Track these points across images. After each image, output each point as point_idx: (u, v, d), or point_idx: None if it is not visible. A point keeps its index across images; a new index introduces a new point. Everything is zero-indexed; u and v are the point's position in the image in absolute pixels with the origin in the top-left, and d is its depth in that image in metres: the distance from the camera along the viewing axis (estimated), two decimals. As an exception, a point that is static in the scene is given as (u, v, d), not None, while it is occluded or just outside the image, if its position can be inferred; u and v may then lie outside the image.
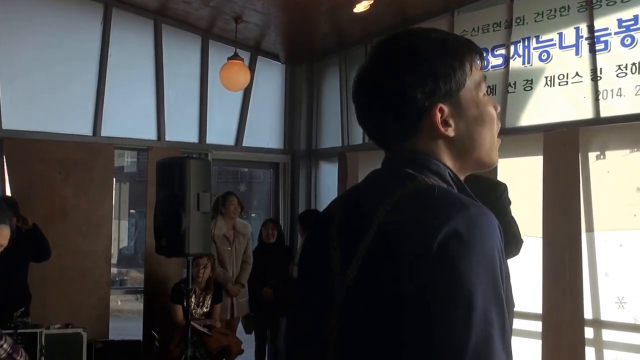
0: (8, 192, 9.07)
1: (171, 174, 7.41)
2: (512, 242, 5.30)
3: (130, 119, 9.87)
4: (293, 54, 10.74)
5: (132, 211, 25.51)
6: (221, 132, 10.53)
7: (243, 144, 10.69)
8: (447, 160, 1.79)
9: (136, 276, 22.01)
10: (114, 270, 15.70)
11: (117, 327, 10.36)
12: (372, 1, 6.89)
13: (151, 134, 9.98)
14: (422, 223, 1.61)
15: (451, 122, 1.77)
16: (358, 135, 9.89)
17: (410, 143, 1.78)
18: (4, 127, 9.01)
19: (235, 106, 10.59)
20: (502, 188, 5.54)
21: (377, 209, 1.69)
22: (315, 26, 9.57)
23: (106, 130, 9.61)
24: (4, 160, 9.08)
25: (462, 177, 1.81)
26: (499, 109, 1.89)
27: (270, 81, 11.00)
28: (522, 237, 5.51)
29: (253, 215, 18.16)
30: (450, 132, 1.77)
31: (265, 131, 10.98)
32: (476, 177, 5.17)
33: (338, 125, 10.36)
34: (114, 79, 9.66)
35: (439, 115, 1.75)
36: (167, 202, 7.44)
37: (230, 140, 10.63)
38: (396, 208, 1.67)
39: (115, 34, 9.67)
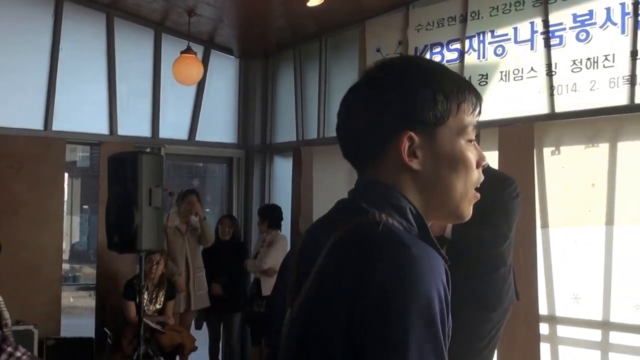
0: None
1: (123, 169, 7.32)
2: (498, 241, 5.25)
3: (82, 113, 9.70)
4: (247, 48, 10.65)
5: (85, 207, 25.20)
6: (174, 127, 10.41)
7: (196, 139, 10.57)
8: (412, 195, 1.72)
9: (89, 272, 21.72)
10: (66, 266, 15.49)
11: (70, 323, 10.23)
12: (325, -3, 6.83)
13: (103, 129, 9.83)
14: (356, 263, 1.56)
15: (419, 154, 1.69)
16: (313, 130, 9.84)
17: (376, 169, 1.73)
18: (-47, 122, 8.83)
19: (188, 100, 10.46)
20: (506, 183, 5.45)
21: (322, 245, 1.65)
22: (269, 20, 9.50)
23: (58, 125, 9.44)
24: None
25: (429, 220, 1.72)
26: (485, 162, 1.79)
27: (224, 75, 10.89)
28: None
29: (207, 210, 18.05)
30: (415, 165, 1.69)
31: (219, 125, 10.88)
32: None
33: (292, 120, 10.29)
34: (65, 73, 9.49)
35: (406, 142, 1.68)
36: (119, 197, 7.34)
37: (183, 135, 10.51)
38: (336, 246, 1.62)
39: (67, 27, 9.50)
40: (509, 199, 5.34)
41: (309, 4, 6.95)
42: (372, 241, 1.58)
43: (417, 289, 1.50)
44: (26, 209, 9.09)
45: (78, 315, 13.64)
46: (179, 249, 9.29)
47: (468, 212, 1.77)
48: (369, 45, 8.90)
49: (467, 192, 1.75)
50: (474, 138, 1.75)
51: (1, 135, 9.02)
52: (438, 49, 8.08)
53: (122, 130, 9.90)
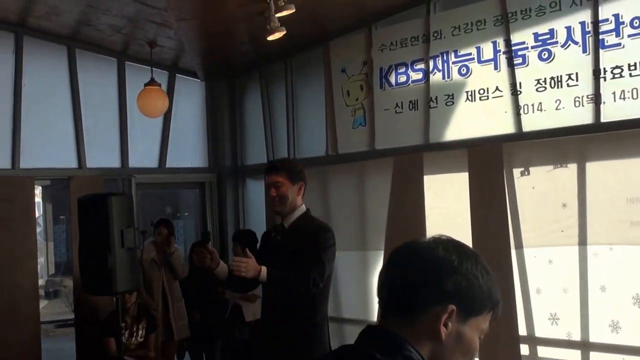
0: None
1: (93, 212, 7.27)
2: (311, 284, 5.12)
3: (49, 148, 9.61)
4: (212, 71, 10.58)
5: (62, 217, 24.97)
6: (144, 155, 10.34)
7: (167, 165, 10.51)
8: (425, 352, 1.92)
9: (70, 285, 21.63)
10: (42, 282, 15.34)
11: (49, 348, 10.13)
12: (285, 32, 6.77)
13: (72, 162, 9.74)
14: None
15: (449, 328, 1.91)
16: (283, 150, 9.80)
17: (406, 324, 1.93)
18: None
19: (156, 127, 10.40)
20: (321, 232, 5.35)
21: None
22: (232, 47, 9.46)
23: (25, 162, 9.35)
24: None
25: None
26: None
27: (190, 99, 10.83)
28: None
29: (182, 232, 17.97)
30: (443, 334, 1.90)
31: (189, 150, 10.82)
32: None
33: (262, 141, 10.25)
34: (30, 109, 9.41)
35: (448, 314, 1.89)
36: (91, 240, 7.31)
37: (153, 163, 10.45)
38: None
39: (28, 63, 9.41)
40: (326, 246, 5.28)
41: (270, 38, 6.89)
42: None
43: None
44: (-1, 250, 9.01)
45: (57, 338, 13.51)
46: (156, 282, 9.20)
47: None
48: (334, 65, 8.89)
49: None
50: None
51: (-32, 177, 8.93)
52: (403, 69, 8.06)
53: (91, 162, 9.82)
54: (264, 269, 5.02)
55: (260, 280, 5.06)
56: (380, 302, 2.03)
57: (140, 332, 8.83)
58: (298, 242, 5.20)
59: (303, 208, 5.40)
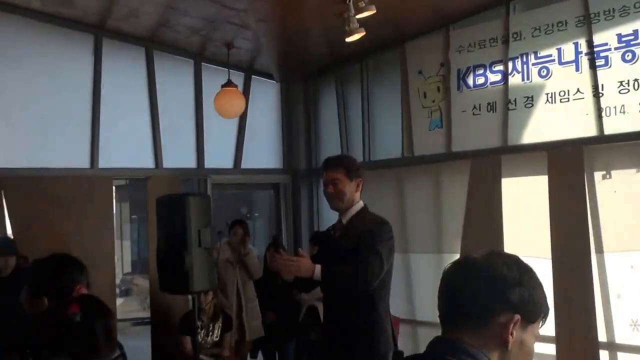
0: (9, 231, 8.99)
1: (171, 212, 7.30)
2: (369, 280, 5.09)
3: (127, 148, 9.73)
4: (288, 73, 10.61)
5: (134, 217, 25.31)
6: (219, 156, 10.39)
7: (242, 166, 10.56)
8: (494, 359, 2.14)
9: (142, 284, 21.88)
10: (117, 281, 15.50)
11: (125, 346, 10.17)
12: (364, 33, 6.74)
13: (149, 163, 9.84)
14: None
15: (514, 336, 2.11)
16: (358, 152, 9.75)
17: (473, 334, 2.13)
18: (1, 165, 8.89)
19: (232, 128, 10.45)
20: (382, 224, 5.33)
21: None
22: (309, 50, 9.47)
23: (103, 162, 9.48)
24: (3, 199, 8.97)
25: None
26: None
27: (266, 100, 10.86)
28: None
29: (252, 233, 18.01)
30: (509, 342, 2.11)
31: (264, 151, 10.85)
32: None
33: (337, 143, 10.23)
34: (108, 109, 9.53)
35: (514, 324, 2.10)
36: (169, 239, 7.32)
37: (228, 163, 10.50)
38: None
39: (107, 64, 9.53)
40: (382, 240, 5.21)
41: (348, 40, 6.87)
42: None
43: None
44: (77, 249, 9.00)
45: (133, 336, 13.65)
46: (230, 282, 9.28)
47: None
48: (410, 67, 8.85)
49: None
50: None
51: (48, 176, 9.08)
52: (481, 71, 7.98)
53: (168, 162, 9.91)
54: (317, 267, 5.02)
55: (314, 278, 5.06)
56: (443, 314, 2.21)
57: (216, 331, 8.89)
58: (356, 238, 5.19)
59: (361, 204, 5.40)
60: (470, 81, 8.11)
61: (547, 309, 2.19)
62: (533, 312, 2.14)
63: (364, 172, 5.46)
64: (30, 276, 3.80)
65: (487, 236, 7.55)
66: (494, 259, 2.17)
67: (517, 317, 2.09)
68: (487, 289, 2.11)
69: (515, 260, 2.17)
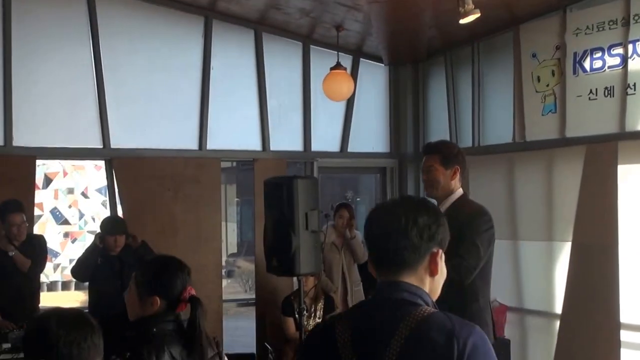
0: (119, 211, 9.14)
1: (279, 194, 7.30)
2: (463, 273, 4.96)
3: (234, 130, 9.80)
4: (396, 56, 10.47)
5: (237, 199, 25.54)
6: (326, 139, 10.36)
7: (348, 150, 10.50)
8: (427, 287, 2.57)
9: (244, 266, 22.13)
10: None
11: (229, 327, 10.28)
12: (479, 14, 6.58)
13: (256, 145, 9.88)
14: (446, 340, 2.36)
15: (439, 264, 2.57)
16: (467, 137, 9.61)
17: (411, 273, 2.52)
18: (112, 146, 9.03)
19: (339, 111, 10.40)
20: (479, 215, 5.20)
21: (390, 330, 2.40)
22: (419, 32, 9.31)
23: (211, 144, 9.56)
24: (114, 179, 9.12)
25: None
26: None
27: (373, 83, 10.76)
28: None
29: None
30: (438, 272, 2.57)
31: (371, 135, 10.75)
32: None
33: (446, 127, 10.06)
34: (217, 91, 9.60)
35: (439, 257, 2.56)
36: (276, 221, 7.34)
37: (335, 147, 10.46)
38: (417, 331, 2.39)
39: (217, 46, 9.60)
40: (481, 231, 5.02)
41: (462, 22, 6.72)
42: (451, 324, 2.40)
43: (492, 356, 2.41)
44: (185, 229, 9.24)
45: (236, 317, 13.78)
46: (336, 265, 9.28)
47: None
48: (524, 50, 8.62)
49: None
50: None
51: (158, 157, 9.20)
52: (599, 54, 7.71)
53: (275, 145, 9.93)
54: None
55: None
56: (377, 259, 2.56)
57: (318, 312, 8.88)
58: (453, 228, 5.05)
59: (459, 192, 5.26)
60: (587, 65, 7.85)
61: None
62: (446, 243, 2.58)
63: (464, 159, 5.31)
64: (140, 277, 3.82)
65: (601, 225, 7.34)
66: (412, 203, 2.59)
67: (441, 250, 2.56)
68: (419, 233, 2.49)
69: (423, 202, 2.63)
